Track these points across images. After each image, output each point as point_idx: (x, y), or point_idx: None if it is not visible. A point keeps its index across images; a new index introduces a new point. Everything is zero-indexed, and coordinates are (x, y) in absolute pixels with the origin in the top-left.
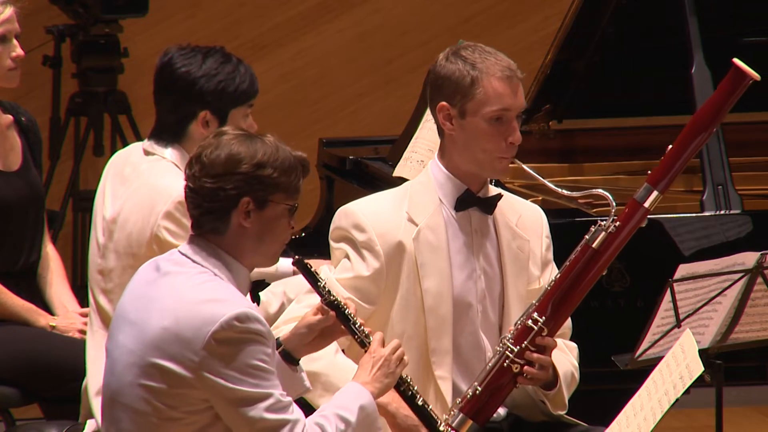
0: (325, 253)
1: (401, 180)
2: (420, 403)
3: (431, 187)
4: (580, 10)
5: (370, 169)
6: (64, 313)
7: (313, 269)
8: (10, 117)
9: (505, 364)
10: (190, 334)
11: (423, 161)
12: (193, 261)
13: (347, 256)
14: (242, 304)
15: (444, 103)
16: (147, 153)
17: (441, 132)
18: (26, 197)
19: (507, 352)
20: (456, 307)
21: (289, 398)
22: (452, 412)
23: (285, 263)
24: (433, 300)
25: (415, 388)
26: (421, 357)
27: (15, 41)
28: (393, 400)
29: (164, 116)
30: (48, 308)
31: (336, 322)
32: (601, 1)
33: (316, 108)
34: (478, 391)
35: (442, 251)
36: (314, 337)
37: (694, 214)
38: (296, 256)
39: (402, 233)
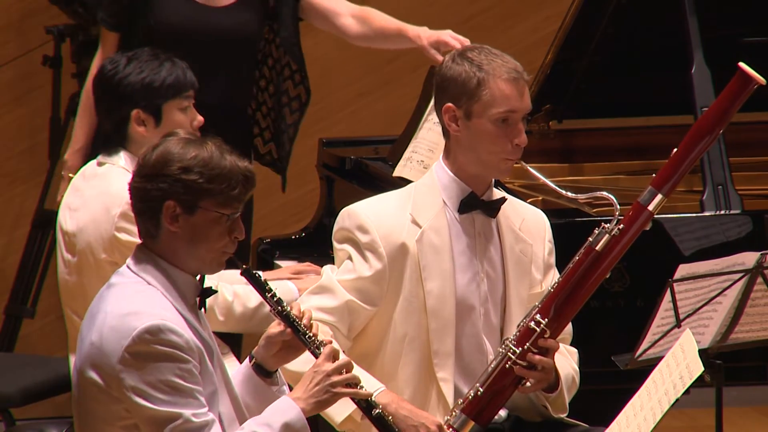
0: (324, 253)
1: (401, 180)
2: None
3: (435, 189)
4: (580, 10)
5: (370, 169)
6: None
7: (263, 279)
8: None
9: (507, 366)
10: (109, 348)
11: (423, 161)
12: (132, 271)
13: (350, 257)
14: (157, 316)
15: (450, 104)
16: (100, 165)
17: (446, 133)
18: (236, 32)
19: (509, 354)
20: (458, 309)
21: (207, 417)
22: (454, 413)
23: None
24: (435, 302)
25: (389, 418)
26: (423, 359)
27: None
28: (392, 400)
29: (104, 125)
30: None
31: None
32: (601, 1)
33: (316, 108)
34: (480, 392)
35: (445, 253)
36: (278, 349)
37: (694, 214)
38: (244, 266)
39: (405, 235)
